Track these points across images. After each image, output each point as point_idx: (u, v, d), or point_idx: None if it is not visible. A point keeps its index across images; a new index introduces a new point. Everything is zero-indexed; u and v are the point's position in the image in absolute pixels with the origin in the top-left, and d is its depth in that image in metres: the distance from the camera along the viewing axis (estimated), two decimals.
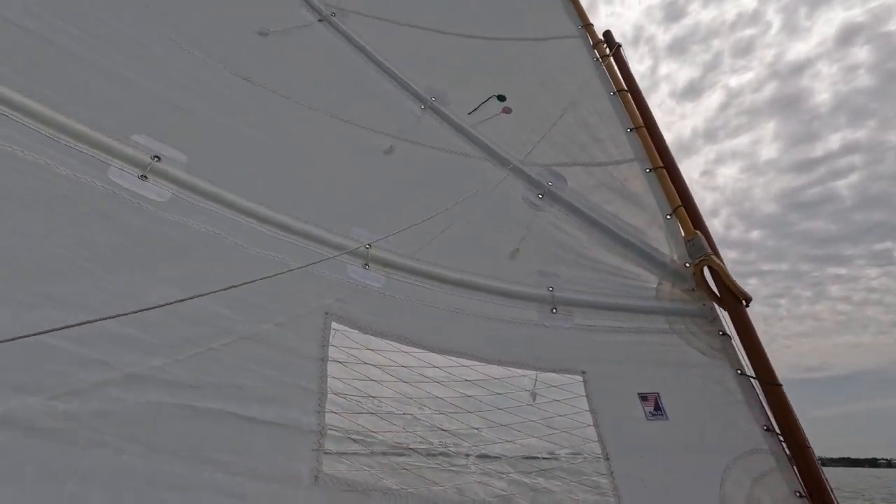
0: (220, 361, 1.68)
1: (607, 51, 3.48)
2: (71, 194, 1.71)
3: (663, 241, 2.84)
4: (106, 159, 1.88)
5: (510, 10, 3.64)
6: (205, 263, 1.88)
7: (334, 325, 2.05)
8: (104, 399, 1.40)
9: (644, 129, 3.13)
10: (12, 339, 1.25)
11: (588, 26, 3.63)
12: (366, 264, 2.31)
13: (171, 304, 1.57)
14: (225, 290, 1.69)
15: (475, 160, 3.01)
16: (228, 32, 2.69)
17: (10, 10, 2.05)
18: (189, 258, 1.86)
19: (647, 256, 2.81)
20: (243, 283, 1.76)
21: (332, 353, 1.97)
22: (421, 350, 2.20)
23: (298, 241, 2.20)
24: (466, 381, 2.21)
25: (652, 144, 3.07)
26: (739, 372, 2.45)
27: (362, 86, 3.01)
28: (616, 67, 3.39)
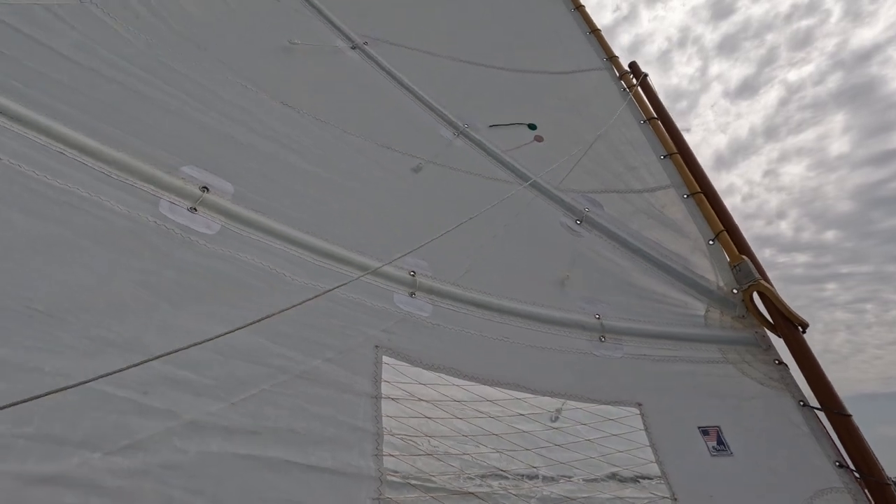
0: (275, 403, 1.59)
1: (634, 81, 3.52)
2: (125, 231, 1.66)
3: (708, 267, 2.78)
4: (157, 192, 1.85)
5: (536, 45, 3.71)
6: (256, 298, 1.81)
7: (385, 358, 1.96)
8: (168, 450, 1.31)
9: (678, 156, 3.12)
10: (64, 389, 1.16)
11: (613, 59, 3.69)
12: (412, 293, 2.25)
13: (211, 339, 1.48)
14: (260, 321, 1.60)
15: (511, 185, 2.98)
16: (270, 62, 2.74)
17: (62, 44, 2.06)
18: (239, 293, 1.79)
19: (692, 283, 2.74)
20: (279, 312, 1.68)
21: (385, 389, 1.88)
22: (472, 383, 2.10)
23: (344, 270, 2.15)
24: (521, 415, 2.11)
25: (687, 170, 3.05)
26: (802, 403, 2.34)
27: (396, 111, 3.03)
28: (644, 96, 3.42)
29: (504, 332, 2.34)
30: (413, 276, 2.31)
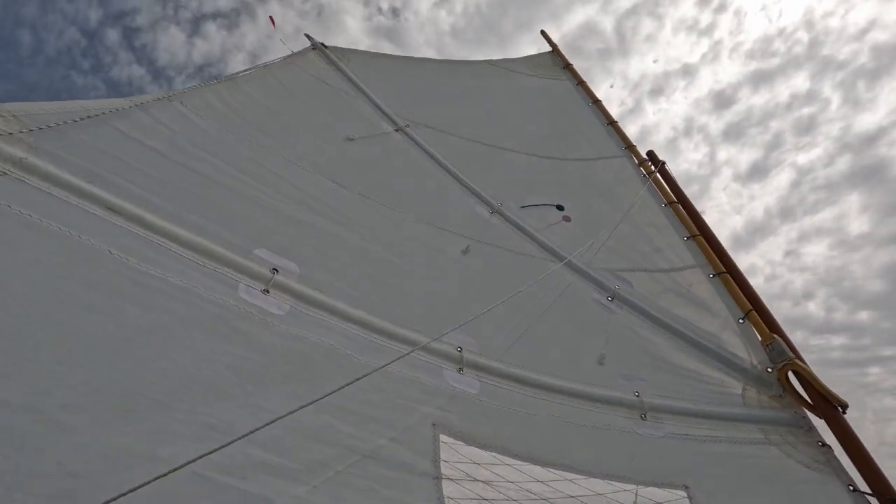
0: (350, 485, 1.64)
1: (652, 168, 3.79)
2: (213, 316, 1.80)
3: (740, 345, 2.86)
4: (236, 276, 2.01)
5: (561, 134, 4.06)
6: (325, 376, 1.91)
7: (442, 437, 2.01)
8: None
9: (700, 238, 3.30)
10: (166, 475, 1.19)
11: (631, 147, 4.00)
12: (460, 369, 2.33)
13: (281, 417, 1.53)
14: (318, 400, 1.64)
15: (543, 262, 3.14)
16: (326, 146, 3.04)
17: (155, 142, 2.33)
18: (310, 373, 1.90)
19: (726, 361, 2.80)
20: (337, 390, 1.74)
21: (444, 469, 1.91)
22: (523, 462, 2.12)
23: (399, 347, 2.24)
24: (571, 497, 2.10)
25: (711, 251, 3.22)
26: (852, 488, 2.32)
27: (437, 189, 3.29)
28: (664, 182, 3.67)
29: (550, 409, 2.38)
30: (460, 351, 2.40)
